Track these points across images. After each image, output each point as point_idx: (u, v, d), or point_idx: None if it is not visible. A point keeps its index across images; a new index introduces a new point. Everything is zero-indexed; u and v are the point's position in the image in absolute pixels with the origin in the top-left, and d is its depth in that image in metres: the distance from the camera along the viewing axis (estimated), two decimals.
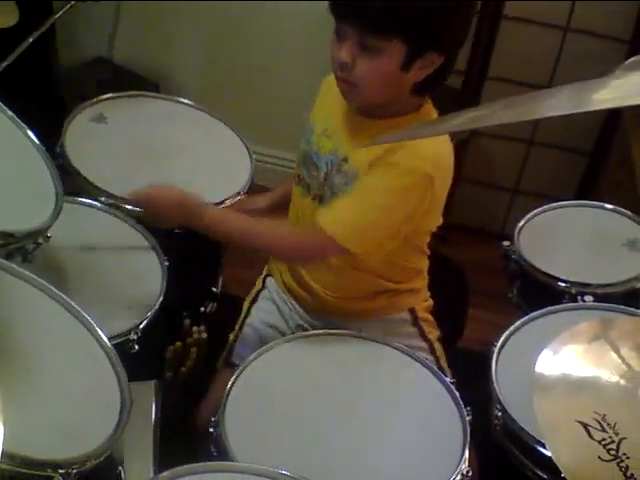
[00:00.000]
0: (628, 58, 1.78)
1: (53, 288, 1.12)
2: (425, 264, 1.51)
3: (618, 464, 0.90)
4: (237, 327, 1.55)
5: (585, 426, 0.93)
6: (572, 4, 2.31)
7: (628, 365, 1.05)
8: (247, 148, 1.80)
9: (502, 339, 1.35)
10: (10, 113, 1.32)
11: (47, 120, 1.92)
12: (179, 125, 1.84)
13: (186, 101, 1.89)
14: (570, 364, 1.08)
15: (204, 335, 1.55)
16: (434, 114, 1.36)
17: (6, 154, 1.28)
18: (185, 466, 1.00)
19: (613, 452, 0.92)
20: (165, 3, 2.56)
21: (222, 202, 1.60)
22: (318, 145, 1.41)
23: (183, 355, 1.52)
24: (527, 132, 2.51)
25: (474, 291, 1.88)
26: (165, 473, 0.98)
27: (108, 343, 1.09)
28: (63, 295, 1.12)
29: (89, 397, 1.00)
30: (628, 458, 0.91)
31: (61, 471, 0.84)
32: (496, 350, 1.33)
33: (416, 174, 1.27)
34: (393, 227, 1.32)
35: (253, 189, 1.69)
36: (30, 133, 1.33)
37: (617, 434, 0.94)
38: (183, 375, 1.51)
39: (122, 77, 2.69)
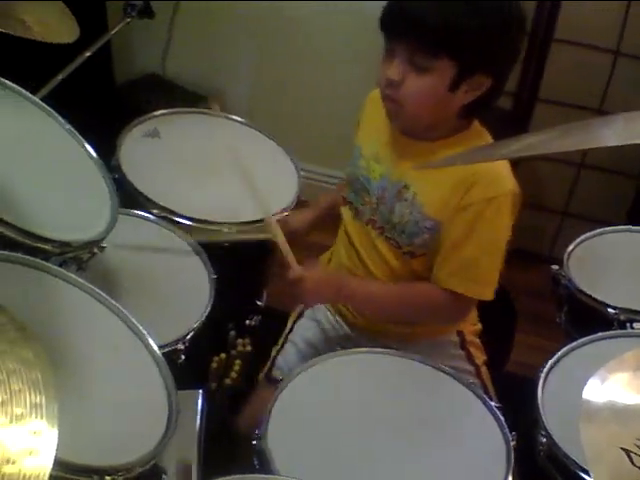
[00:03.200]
0: None
1: (106, 296, 1.15)
2: None
3: None
4: (280, 342, 1.56)
5: (628, 453, 0.92)
6: (622, 28, 2.29)
7: None
8: (295, 165, 1.82)
9: (549, 364, 1.33)
10: (68, 126, 1.36)
11: (102, 134, 1.98)
12: (228, 141, 1.87)
13: (236, 117, 1.92)
14: (616, 392, 1.07)
15: (248, 348, 1.57)
16: (484, 133, 1.36)
17: (65, 167, 1.32)
18: (228, 477, 1.01)
19: None
20: (217, 21, 2.62)
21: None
22: (368, 169, 1.41)
23: (227, 367, 1.54)
24: (577, 155, 2.48)
25: (521, 315, 1.86)
26: None
27: (158, 352, 1.11)
28: (116, 303, 1.15)
29: (137, 405, 1.02)
30: None
31: (107, 478, 0.85)
32: (543, 375, 1.31)
33: (500, 200, 1.28)
34: (503, 253, 1.35)
35: (300, 205, 1.71)
36: (88, 146, 1.37)
37: None
38: (226, 386, 1.52)
39: (174, 93, 2.75)
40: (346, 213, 1.48)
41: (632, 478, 0.92)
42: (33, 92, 1.39)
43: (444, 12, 1.19)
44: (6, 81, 1.32)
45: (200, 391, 1.25)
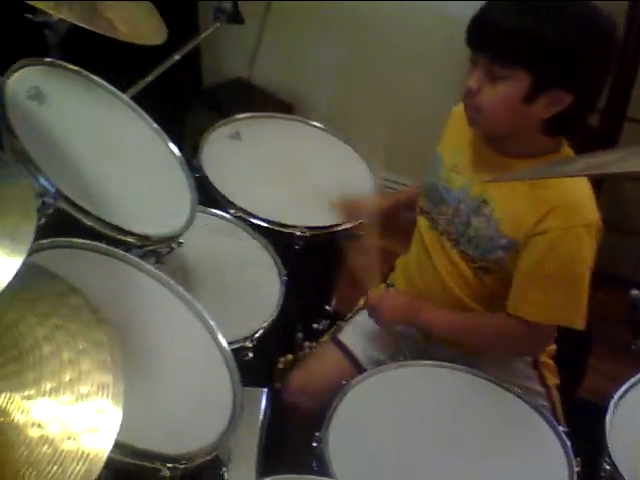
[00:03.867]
0: None
1: (181, 289, 1.20)
2: None
3: None
4: (352, 314, 1.58)
5: None
6: None
7: None
8: (371, 172, 1.84)
9: (620, 393, 1.29)
10: (155, 125, 1.42)
11: (187, 134, 2.05)
12: (308, 146, 1.91)
13: (316, 124, 1.96)
14: None
15: (314, 350, 1.58)
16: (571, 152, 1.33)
17: (149, 164, 1.38)
18: (285, 475, 1.02)
19: None
20: (305, 29, 2.66)
21: (341, 224, 1.64)
22: (447, 179, 1.40)
23: (293, 368, 1.55)
24: None
25: (597, 340, 1.79)
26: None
27: (227, 347, 1.14)
28: (190, 297, 1.19)
29: (203, 397, 1.05)
30: None
31: (169, 465, 0.87)
32: (613, 403, 1.27)
33: (579, 231, 1.25)
34: (587, 283, 1.30)
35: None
36: (172, 145, 1.42)
37: None
38: None
39: (258, 98, 2.81)
40: (422, 222, 1.47)
41: None
42: (124, 91, 1.46)
43: (523, 23, 1.19)
44: (99, 79, 1.38)
45: (265, 390, 1.28)
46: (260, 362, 1.42)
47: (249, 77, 2.90)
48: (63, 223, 1.12)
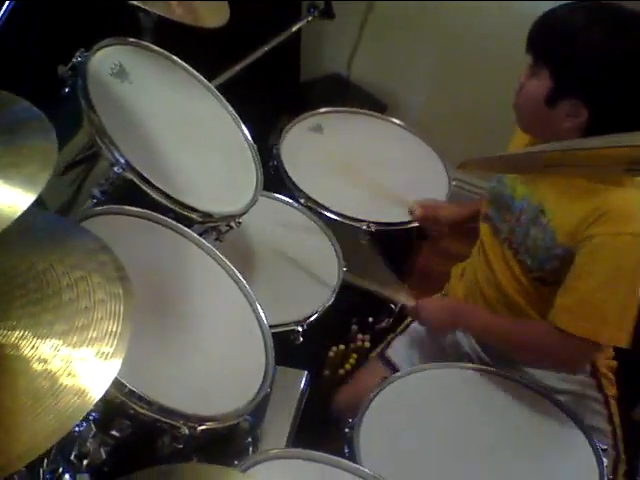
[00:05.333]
0: None
1: (233, 267, 1.25)
2: None
3: None
4: (403, 327, 1.59)
5: None
6: None
7: None
8: (447, 172, 1.83)
9: None
10: (230, 109, 1.48)
11: (277, 124, 2.10)
12: (387, 144, 1.92)
13: (397, 122, 1.96)
14: None
15: (367, 344, 1.60)
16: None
17: (220, 146, 1.44)
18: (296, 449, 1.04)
19: None
20: (406, 31, 2.67)
21: (409, 222, 1.65)
22: (512, 188, 1.39)
23: (344, 358, 1.58)
24: None
25: None
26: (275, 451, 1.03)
27: (267, 323, 1.17)
28: (240, 276, 1.24)
29: (236, 367, 1.09)
30: None
31: (190, 424, 0.92)
32: None
33: (629, 239, 1.20)
34: (633, 299, 1.23)
35: None
36: (244, 129, 1.47)
37: None
38: (340, 376, 1.56)
39: (354, 95, 2.83)
40: (484, 229, 1.46)
41: None
42: (213, 79, 1.51)
43: (559, 24, 1.21)
44: (181, 62, 1.46)
45: (305, 372, 1.30)
46: (311, 347, 1.46)
47: (348, 75, 2.93)
48: (132, 195, 1.20)
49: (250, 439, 1.07)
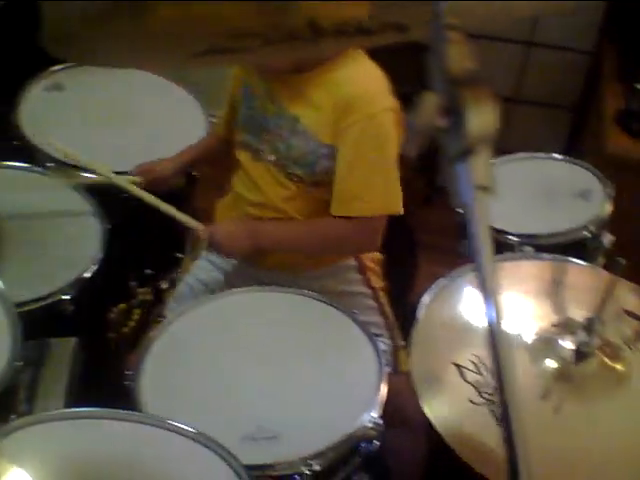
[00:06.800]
0: None
1: None
2: None
3: (489, 407, 0.88)
4: (175, 281, 1.57)
5: (459, 367, 0.91)
6: None
7: (511, 310, 1.02)
8: (204, 111, 1.81)
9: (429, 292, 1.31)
10: None
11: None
12: (135, 92, 1.85)
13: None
14: (453, 308, 1.07)
15: (149, 297, 1.56)
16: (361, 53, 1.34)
17: None
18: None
19: (486, 395, 0.89)
20: None
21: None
22: (263, 108, 1.40)
23: (127, 316, 1.54)
24: (510, 89, 2.45)
25: (424, 249, 1.83)
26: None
27: (11, 300, 1.11)
28: None
29: None
30: None
31: None
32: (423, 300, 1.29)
33: (382, 117, 1.28)
34: (395, 167, 1.33)
35: None
36: None
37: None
38: (126, 335, 1.52)
39: None
40: (244, 156, 1.46)
41: (463, 394, 0.92)
42: None
43: None
44: None
45: (73, 339, 1.25)
46: (88, 313, 1.40)
47: None
48: None
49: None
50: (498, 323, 0.55)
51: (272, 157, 1.39)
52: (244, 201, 1.48)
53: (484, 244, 0.56)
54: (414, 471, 1.48)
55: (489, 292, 0.55)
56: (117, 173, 1.54)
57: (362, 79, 1.32)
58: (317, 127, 1.33)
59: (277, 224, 1.43)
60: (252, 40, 0.55)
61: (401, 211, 1.34)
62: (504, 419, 0.51)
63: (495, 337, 0.54)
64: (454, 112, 0.55)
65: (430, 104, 0.55)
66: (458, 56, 0.54)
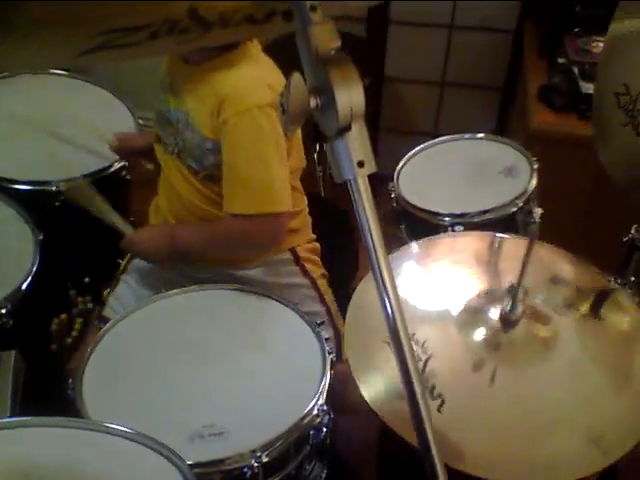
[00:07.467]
0: None
1: None
2: (303, 204, 1.51)
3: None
4: (114, 282, 1.55)
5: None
6: None
7: (442, 285, 1.05)
8: (131, 112, 1.81)
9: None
10: None
11: None
12: (56, 96, 1.83)
13: (59, 72, 1.87)
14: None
15: (89, 305, 1.55)
16: (257, 46, 1.36)
17: None
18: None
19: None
20: None
21: (110, 166, 1.64)
22: (167, 101, 1.41)
23: (69, 326, 1.52)
24: (437, 74, 2.49)
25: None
26: None
27: None
28: None
29: None
30: (435, 377, 0.90)
31: None
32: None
33: (254, 113, 1.27)
34: (285, 166, 1.32)
35: None
36: None
37: (425, 352, 0.93)
38: (70, 345, 1.51)
39: None
40: (158, 150, 1.47)
41: (396, 372, 0.94)
42: None
43: None
44: None
45: (13, 351, 1.23)
46: (28, 325, 1.38)
47: None
48: None
49: None
50: (390, 297, 0.57)
51: (175, 150, 1.41)
52: (165, 199, 1.49)
53: (369, 218, 0.59)
54: (366, 455, 1.50)
55: (378, 262, 0.60)
56: (43, 183, 1.53)
57: (238, 76, 1.31)
58: (201, 121, 1.34)
59: (190, 228, 1.44)
60: (137, 35, 0.55)
61: (286, 209, 1.33)
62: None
63: (391, 321, 0.57)
64: (324, 91, 0.57)
65: (299, 85, 0.56)
66: (323, 36, 0.56)
